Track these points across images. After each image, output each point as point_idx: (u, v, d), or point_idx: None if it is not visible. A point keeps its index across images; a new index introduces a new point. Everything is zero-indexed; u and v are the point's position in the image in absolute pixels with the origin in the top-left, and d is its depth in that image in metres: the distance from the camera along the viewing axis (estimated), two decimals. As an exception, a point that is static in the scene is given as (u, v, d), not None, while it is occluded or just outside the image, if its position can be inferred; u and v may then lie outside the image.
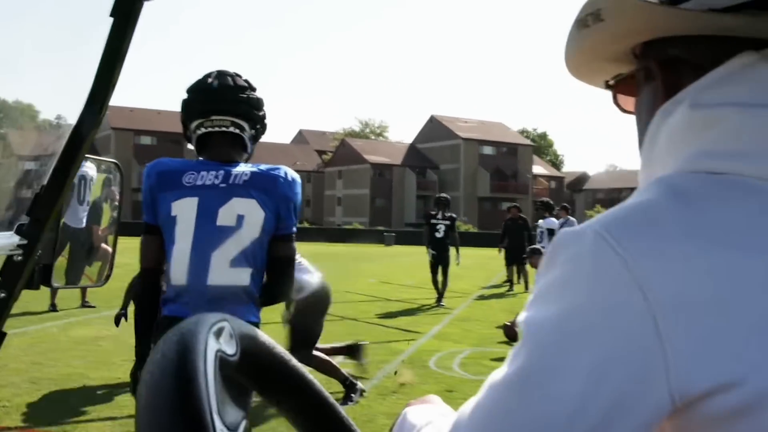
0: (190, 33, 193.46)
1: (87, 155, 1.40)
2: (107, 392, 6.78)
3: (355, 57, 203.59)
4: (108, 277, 1.66)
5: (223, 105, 2.95)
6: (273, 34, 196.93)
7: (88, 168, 1.60)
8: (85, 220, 1.68)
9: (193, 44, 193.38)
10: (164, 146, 76.69)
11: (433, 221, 14.38)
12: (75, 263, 1.67)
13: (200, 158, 3.00)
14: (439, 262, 14.29)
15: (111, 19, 1.12)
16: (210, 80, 3.00)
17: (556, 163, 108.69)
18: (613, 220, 0.73)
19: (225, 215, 2.84)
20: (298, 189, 2.95)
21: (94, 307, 12.09)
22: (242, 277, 2.83)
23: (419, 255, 14.44)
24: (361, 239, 52.36)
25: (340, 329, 10.44)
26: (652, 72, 0.91)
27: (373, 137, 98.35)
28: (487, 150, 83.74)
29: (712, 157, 0.78)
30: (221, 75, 3.01)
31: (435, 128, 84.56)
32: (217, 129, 2.95)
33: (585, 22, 0.90)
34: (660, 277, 0.68)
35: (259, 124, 3.04)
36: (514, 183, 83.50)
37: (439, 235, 14.25)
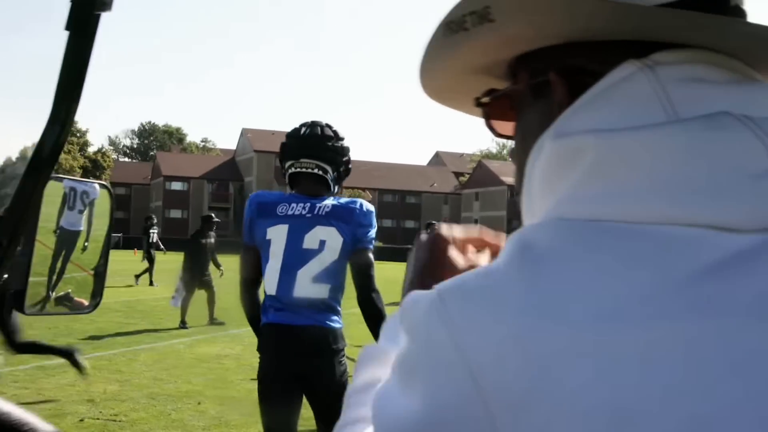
0: (327, 57, 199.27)
1: (78, 178, 1.40)
2: (220, 410, 6.85)
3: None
4: (98, 304, 1.60)
5: (310, 150, 3.67)
6: (405, 55, 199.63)
7: (85, 185, 1.58)
8: (80, 225, 1.68)
9: (326, 68, 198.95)
10: (303, 168, 78.52)
11: None
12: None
13: (293, 192, 3.72)
14: None
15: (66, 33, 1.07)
16: (303, 129, 3.74)
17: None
18: (454, 286, 0.63)
19: (310, 240, 3.52)
20: (372, 217, 3.60)
21: (222, 323, 12.42)
22: (322, 291, 3.49)
23: None
24: None
25: None
26: (545, 87, 0.75)
27: (510, 159, 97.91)
28: None
29: (572, 201, 0.66)
30: (312, 125, 3.75)
31: None
32: (304, 170, 3.67)
33: (461, 24, 0.74)
34: (490, 361, 0.59)
35: (342, 167, 3.74)
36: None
37: None
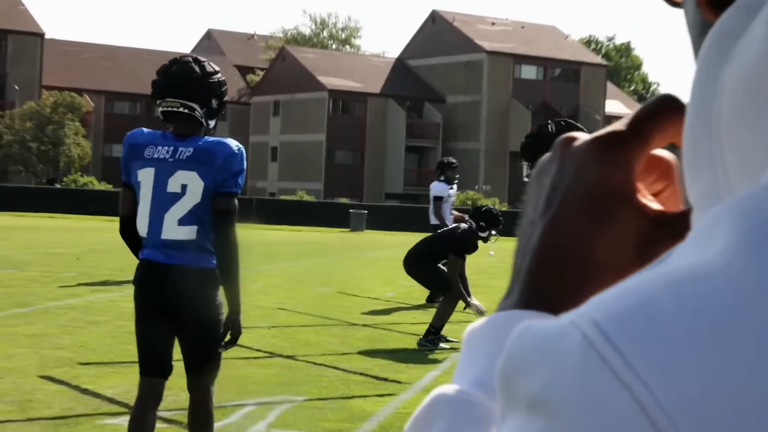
0: None
1: None
2: None
3: None
4: None
5: (175, 90, 6.16)
6: None
7: None
8: None
9: None
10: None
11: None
12: None
13: (167, 131, 6.27)
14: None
15: None
16: (169, 66, 6.32)
17: (645, 98, 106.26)
18: (629, 310, 0.56)
19: (173, 184, 5.98)
20: (236, 161, 6.07)
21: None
22: (189, 232, 6.03)
23: (411, 246, 15.58)
24: (311, 219, 54.09)
25: (268, 374, 11.34)
26: None
27: (334, 46, 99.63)
28: (528, 72, 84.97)
29: None
30: (176, 62, 6.35)
31: (439, 34, 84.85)
32: (170, 109, 6.18)
33: None
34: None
35: (214, 101, 6.29)
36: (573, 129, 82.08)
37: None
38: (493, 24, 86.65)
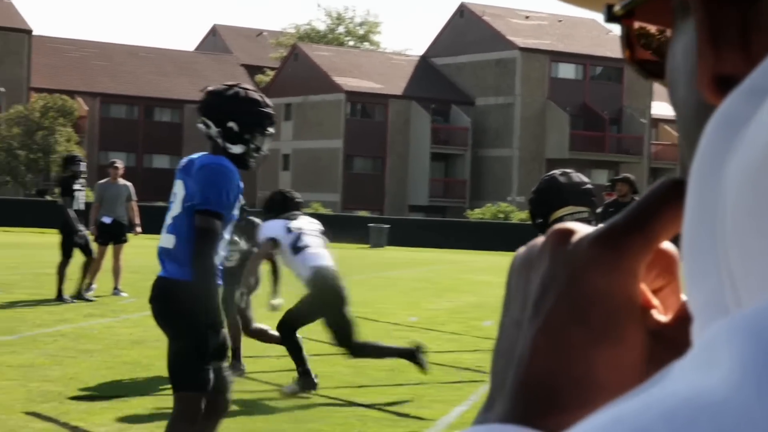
0: None
1: None
2: None
3: None
4: None
5: (201, 108, 7.35)
6: None
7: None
8: None
9: None
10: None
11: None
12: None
13: None
14: None
15: None
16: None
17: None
18: None
19: (172, 193, 7.16)
20: (214, 177, 6.80)
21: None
22: (170, 241, 6.97)
23: (436, 265, 16.97)
24: (326, 234, 50.78)
25: (277, 410, 11.63)
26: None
27: (351, 43, 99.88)
28: (566, 71, 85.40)
29: None
30: (214, 87, 7.52)
31: (468, 29, 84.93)
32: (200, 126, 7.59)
33: None
34: None
35: (233, 124, 7.02)
36: (615, 135, 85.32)
37: None
38: (527, 18, 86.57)
